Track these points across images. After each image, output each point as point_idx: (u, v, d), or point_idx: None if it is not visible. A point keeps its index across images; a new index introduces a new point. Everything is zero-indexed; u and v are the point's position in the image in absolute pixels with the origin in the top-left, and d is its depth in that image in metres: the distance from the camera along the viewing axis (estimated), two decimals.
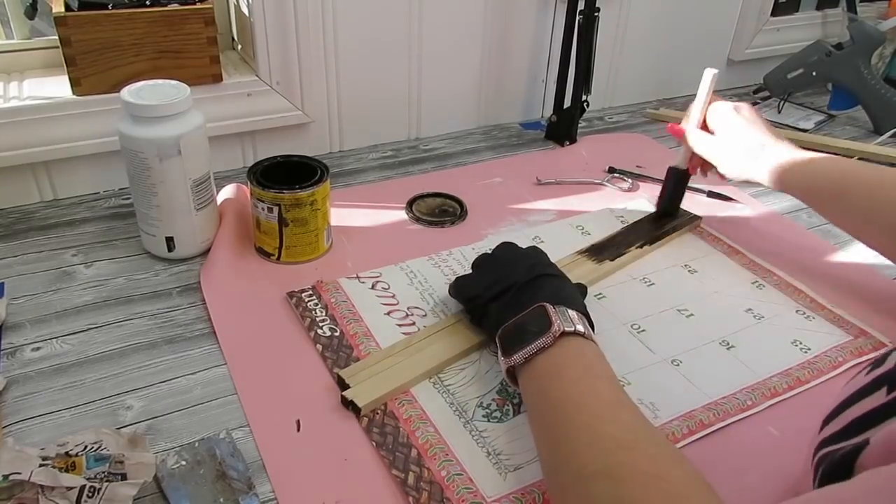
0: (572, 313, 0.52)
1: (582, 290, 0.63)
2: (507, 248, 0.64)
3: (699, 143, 0.74)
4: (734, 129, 0.72)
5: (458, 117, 1.03)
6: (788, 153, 0.69)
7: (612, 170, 0.92)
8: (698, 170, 0.78)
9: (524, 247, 0.64)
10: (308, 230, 0.70)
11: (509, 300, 0.57)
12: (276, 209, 0.68)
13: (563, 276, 0.59)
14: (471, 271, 0.64)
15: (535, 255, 0.62)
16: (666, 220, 0.80)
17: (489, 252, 0.65)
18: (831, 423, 0.41)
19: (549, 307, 0.52)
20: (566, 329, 0.50)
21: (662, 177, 0.90)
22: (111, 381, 0.57)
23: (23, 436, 0.52)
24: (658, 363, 0.61)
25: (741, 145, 0.71)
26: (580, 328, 0.51)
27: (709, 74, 0.73)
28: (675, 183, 0.79)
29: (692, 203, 0.84)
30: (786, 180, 0.68)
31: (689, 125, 0.75)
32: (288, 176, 0.69)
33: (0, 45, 0.84)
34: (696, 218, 0.81)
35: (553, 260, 0.62)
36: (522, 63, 1.03)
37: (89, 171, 0.81)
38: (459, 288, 0.63)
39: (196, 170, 0.67)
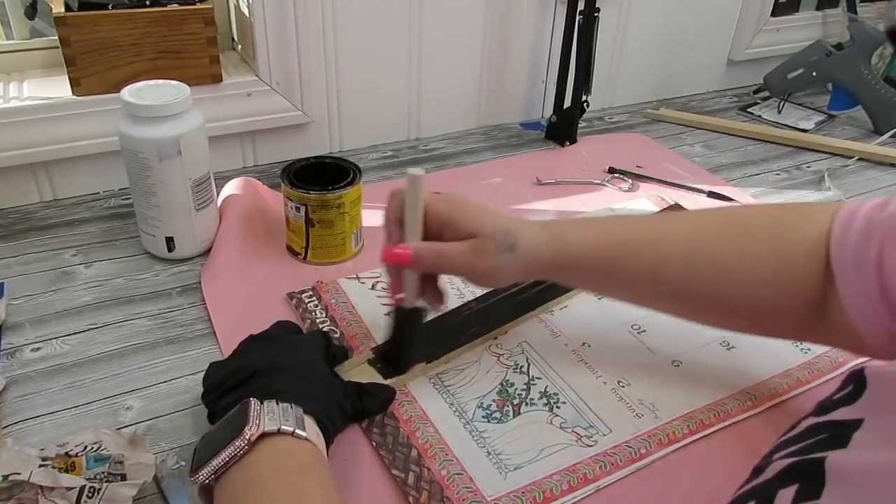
0: (286, 409, 0.44)
1: (354, 386, 0.53)
2: (284, 329, 0.54)
3: (439, 256, 0.52)
4: (482, 218, 0.52)
5: (458, 117, 1.03)
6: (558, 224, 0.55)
7: (612, 170, 0.92)
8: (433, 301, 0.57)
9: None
10: (334, 233, 0.70)
11: (237, 397, 0.46)
12: (303, 209, 0.68)
13: (316, 366, 0.50)
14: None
15: (305, 342, 0.53)
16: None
17: (257, 335, 0.54)
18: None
19: (253, 403, 0.43)
20: (267, 430, 0.41)
21: (662, 177, 0.90)
22: (111, 381, 0.57)
23: (22, 436, 0.52)
24: (658, 363, 0.61)
25: (498, 229, 0.51)
26: (286, 427, 0.42)
27: (415, 176, 0.51)
28: (408, 327, 0.57)
29: (693, 203, 0.84)
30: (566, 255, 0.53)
31: (412, 240, 0.53)
32: (324, 177, 0.69)
33: (0, 45, 0.84)
34: None
35: None
36: (522, 63, 1.03)
37: (89, 171, 0.81)
38: (205, 378, 0.51)
39: (196, 170, 0.67)
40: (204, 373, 0.51)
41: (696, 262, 0.52)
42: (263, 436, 0.42)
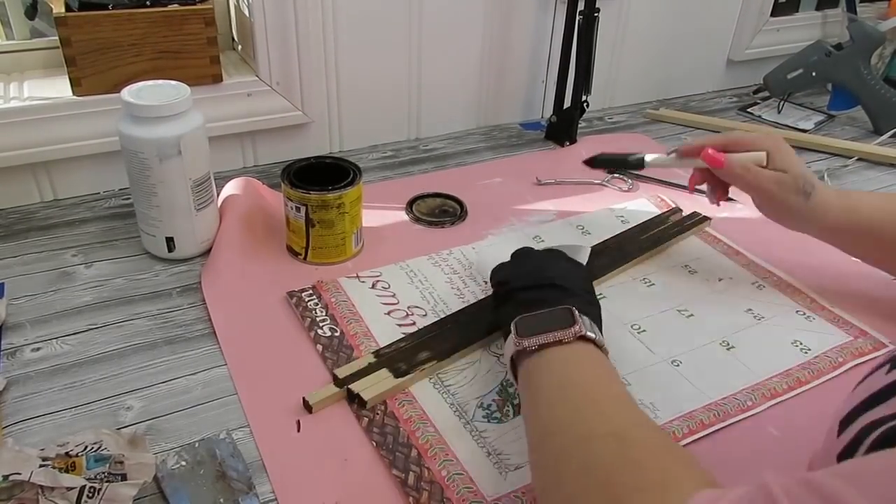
0: (593, 324, 0.52)
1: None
2: (555, 254, 0.63)
3: (747, 170, 0.65)
4: (795, 161, 0.65)
5: (458, 117, 1.03)
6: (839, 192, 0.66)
7: (612, 170, 0.92)
8: (703, 194, 0.73)
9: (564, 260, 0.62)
10: (334, 233, 0.70)
11: (538, 295, 0.55)
12: (303, 209, 0.68)
13: (595, 302, 0.58)
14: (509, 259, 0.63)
15: (577, 271, 0.61)
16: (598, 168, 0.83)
17: (534, 249, 0.64)
18: (853, 425, 0.39)
19: (575, 311, 0.51)
20: (587, 334, 0.49)
21: (662, 177, 0.90)
22: (111, 381, 0.57)
23: (23, 436, 0.52)
24: (658, 363, 0.61)
25: (803, 176, 0.64)
26: (600, 338, 0.51)
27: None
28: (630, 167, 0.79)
29: (693, 203, 0.84)
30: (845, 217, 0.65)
31: (740, 159, 0.65)
32: (324, 177, 0.69)
33: (0, 45, 0.84)
34: (706, 218, 0.81)
35: None
36: (522, 63, 1.03)
37: (89, 171, 0.81)
38: (494, 271, 0.62)
39: (196, 170, 0.67)
40: (494, 268, 0.62)
41: None
42: (582, 338, 0.49)
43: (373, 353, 0.59)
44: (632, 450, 0.40)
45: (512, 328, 0.52)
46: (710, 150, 0.66)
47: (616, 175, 0.91)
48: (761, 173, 0.64)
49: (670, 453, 0.40)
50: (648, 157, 0.73)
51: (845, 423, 0.40)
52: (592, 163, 0.80)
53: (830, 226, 0.65)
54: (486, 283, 0.69)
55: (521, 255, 0.63)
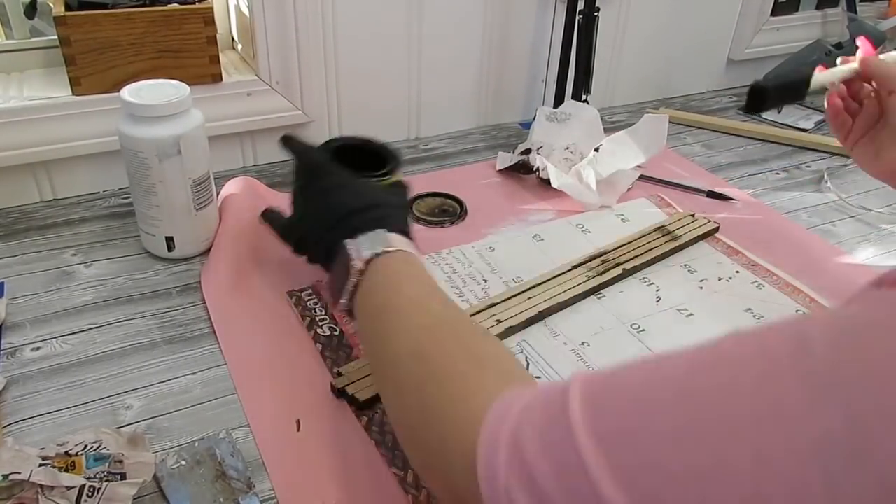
0: (371, 236, 0.53)
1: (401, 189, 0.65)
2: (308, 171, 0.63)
3: (886, 65, 0.64)
4: None
5: (458, 117, 1.03)
6: None
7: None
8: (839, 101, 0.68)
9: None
10: None
11: (329, 243, 0.56)
12: None
13: (380, 198, 0.59)
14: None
15: (350, 184, 0.60)
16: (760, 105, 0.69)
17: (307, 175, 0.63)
18: None
19: (348, 243, 0.53)
20: (364, 257, 0.51)
21: (662, 177, 0.90)
22: (111, 380, 0.57)
23: (23, 435, 0.52)
24: None
25: None
26: (378, 249, 0.52)
27: None
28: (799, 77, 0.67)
29: (692, 203, 0.84)
30: None
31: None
32: (364, 162, 0.66)
33: (0, 44, 0.84)
34: (715, 227, 0.79)
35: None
36: (522, 63, 1.03)
37: (89, 170, 0.81)
38: (286, 230, 0.64)
39: (196, 169, 0.67)
40: (281, 233, 0.64)
41: None
42: (368, 262, 0.51)
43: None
44: (431, 365, 0.42)
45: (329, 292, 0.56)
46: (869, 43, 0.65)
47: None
48: None
49: (471, 357, 0.42)
50: (814, 76, 0.66)
51: None
52: (758, 101, 0.70)
53: None
54: (484, 281, 0.69)
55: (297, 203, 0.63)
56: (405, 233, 0.56)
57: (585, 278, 0.69)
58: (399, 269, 0.51)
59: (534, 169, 0.85)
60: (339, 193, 0.58)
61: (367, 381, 0.56)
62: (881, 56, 0.63)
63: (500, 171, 0.90)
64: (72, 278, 0.69)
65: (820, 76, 0.66)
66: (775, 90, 0.69)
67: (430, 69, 0.96)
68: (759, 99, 0.67)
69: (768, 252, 0.76)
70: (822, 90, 0.66)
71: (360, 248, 0.52)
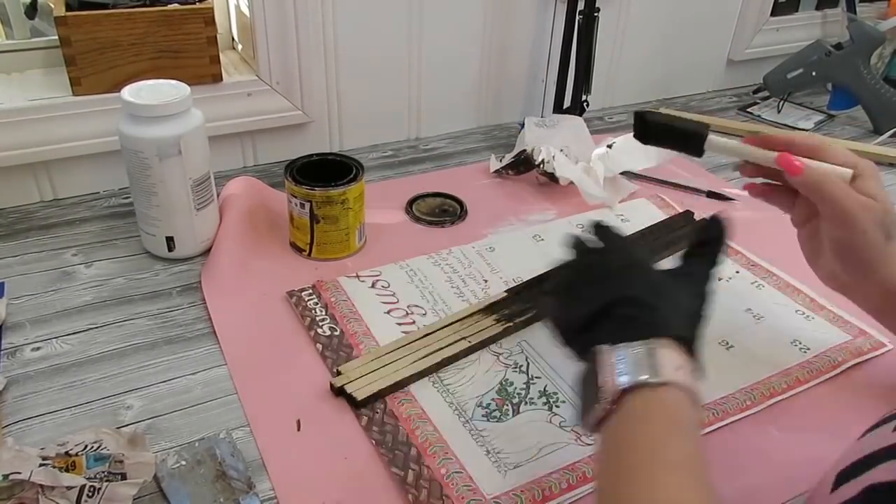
0: (638, 352, 0.41)
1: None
2: (607, 250, 0.51)
3: (825, 179, 0.52)
4: (884, 194, 0.53)
5: (458, 117, 1.03)
6: None
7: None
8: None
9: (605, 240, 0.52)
10: (339, 228, 0.70)
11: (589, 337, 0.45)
12: (307, 205, 0.68)
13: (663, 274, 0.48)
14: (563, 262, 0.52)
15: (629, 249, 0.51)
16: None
17: (586, 247, 0.52)
18: (854, 481, 0.36)
19: (606, 354, 0.42)
20: (621, 386, 0.40)
21: (662, 177, 0.90)
22: (111, 380, 0.57)
23: (23, 436, 0.52)
24: None
25: (893, 213, 0.52)
26: (641, 378, 0.40)
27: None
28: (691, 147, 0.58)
29: (692, 204, 0.84)
30: None
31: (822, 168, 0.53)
32: (326, 174, 0.70)
33: (0, 44, 0.84)
34: None
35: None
36: (522, 63, 1.03)
37: (89, 170, 0.81)
38: (552, 313, 0.51)
39: (196, 169, 0.67)
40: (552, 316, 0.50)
41: None
42: (626, 392, 0.40)
43: (371, 351, 0.59)
44: None
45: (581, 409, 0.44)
46: (791, 157, 0.53)
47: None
48: (848, 191, 0.51)
49: None
50: (713, 137, 0.56)
51: (843, 477, 0.37)
52: (640, 128, 0.60)
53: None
54: (485, 281, 0.69)
55: (569, 273, 0.51)
56: (688, 342, 0.44)
57: None
58: (670, 416, 0.40)
59: (537, 163, 0.85)
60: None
61: (365, 381, 0.56)
62: (815, 164, 0.53)
63: (500, 171, 0.90)
64: (72, 278, 0.69)
65: (716, 140, 0.56)
66: (657, 126, 0.59)
67: (431, 69, 0.96)
68: (640, 126, 0.59)
69: (768, 252, 0.76)
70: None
71: (616, 368, 0.41)
